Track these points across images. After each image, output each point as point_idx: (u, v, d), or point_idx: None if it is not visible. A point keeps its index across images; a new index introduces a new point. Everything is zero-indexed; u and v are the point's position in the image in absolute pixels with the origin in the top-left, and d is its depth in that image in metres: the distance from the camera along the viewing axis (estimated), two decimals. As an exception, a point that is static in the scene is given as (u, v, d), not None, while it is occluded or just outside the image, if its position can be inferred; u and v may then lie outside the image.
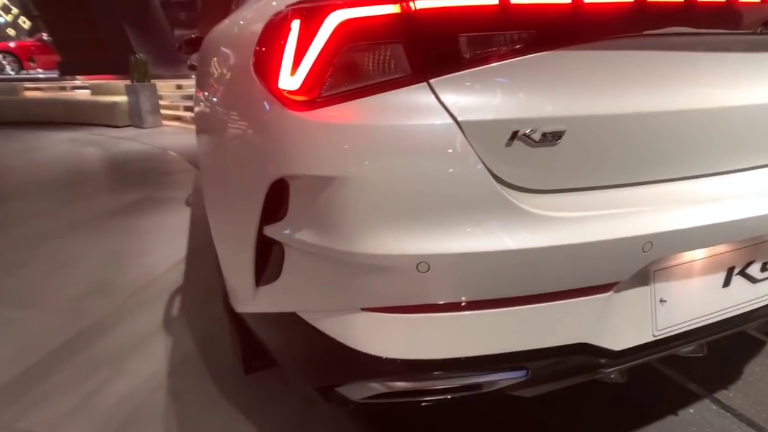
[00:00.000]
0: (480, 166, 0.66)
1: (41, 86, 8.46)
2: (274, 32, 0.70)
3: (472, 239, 0.66)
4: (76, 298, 1.94)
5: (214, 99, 1.05)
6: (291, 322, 0.83)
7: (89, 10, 8.49)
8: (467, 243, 0.65)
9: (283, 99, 0.70)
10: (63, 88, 8.20)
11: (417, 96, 0.66)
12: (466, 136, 0.66)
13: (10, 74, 11.13)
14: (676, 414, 1.22)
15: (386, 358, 0.71)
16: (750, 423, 1.20)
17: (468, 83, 0.67)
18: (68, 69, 9.29)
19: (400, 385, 0.73)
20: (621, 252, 0.71)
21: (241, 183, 0.87)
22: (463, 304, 0.68)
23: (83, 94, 7.82)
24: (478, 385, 0.76)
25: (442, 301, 0.68)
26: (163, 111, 6.93)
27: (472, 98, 0.67)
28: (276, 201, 0.76)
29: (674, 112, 0.74)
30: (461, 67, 0.66)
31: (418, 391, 0.75)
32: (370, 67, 0.67)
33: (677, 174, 0.79)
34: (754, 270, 0.87)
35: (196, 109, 1.46)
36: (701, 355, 0.91)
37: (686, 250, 0.79)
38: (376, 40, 0.65)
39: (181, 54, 2.49)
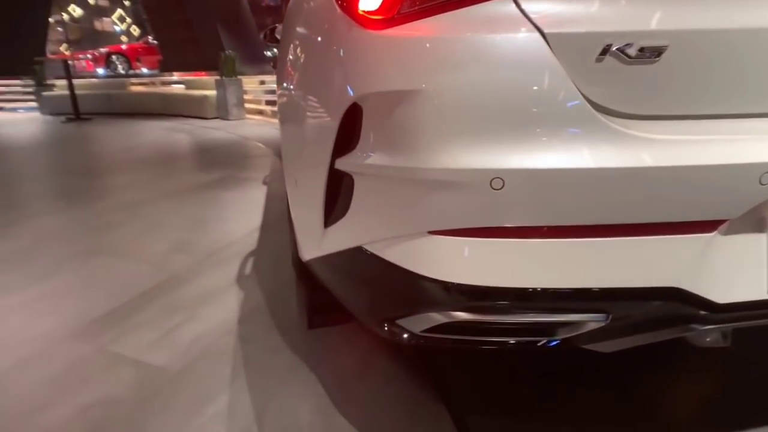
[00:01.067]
0: (565, 80, 0.62)
1: (144, 82, 9.40)
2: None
3: (552, 154, 0.61)
4: (162, 254, 2.12)
5: (297, 42, 1.09)
6: (356, 257, 0.83)
7: (188, 13, 9.30)
8: (546, 158, 0.61)
9: (363, 20, 0.71)
10: (163, 83, 9.05)
11: (499, 6, 0.63)
12: (552, 49, 0.62)
13: (121, 73, 12.49)
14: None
15: (452, 284, 0.68)
16: None
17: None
18: (168, 66, 10.24)
19: (463, 315, 0.70)
20: (732, 181, 0.62)
21: (317, 117, 0.89)
22: (541, 229, 0.64)
23: (178, 89, 8.57)
24: (550, 329, 0.70)
25: (517, 224, 0.65)
26: (246, 105, 7.40)
27: (559, 7, 0.63)
28: (349, 131, 0.77)
29: None
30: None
31: (482, 329, 0.71)
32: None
33: None
34: None
35: (280, 64, 1.52)
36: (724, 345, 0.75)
37: None
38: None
39: (265, 42, 2.65)
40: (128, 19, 30.04)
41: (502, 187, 0.63)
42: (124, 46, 13.90)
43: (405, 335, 0.77)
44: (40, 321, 1.57)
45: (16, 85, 10.36)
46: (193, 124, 6.90)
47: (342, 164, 0.81)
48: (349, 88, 0.74)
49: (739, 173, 0.62)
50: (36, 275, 1.93)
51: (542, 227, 0.64)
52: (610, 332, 0.71)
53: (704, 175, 0.62)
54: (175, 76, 8.97)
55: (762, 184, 0.63)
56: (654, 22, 0.62)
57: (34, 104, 9.16)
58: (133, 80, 9.44)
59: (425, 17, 0.66)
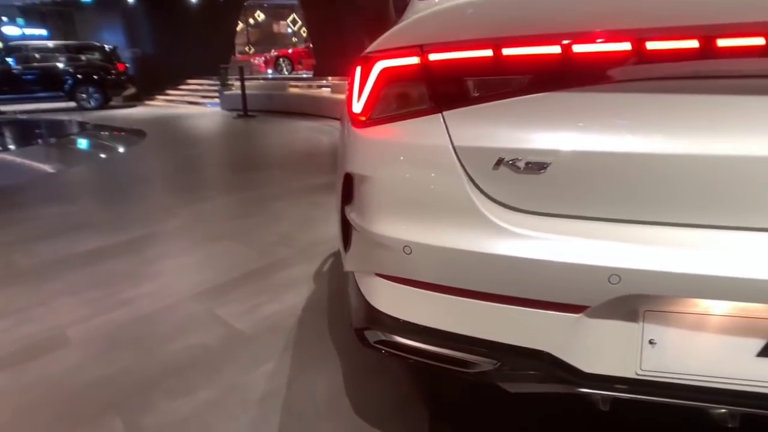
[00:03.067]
0: (462, 181, 0.84)
1: (299, 84, 10.82)
2: (351, 73, 1.01)
3: (446, 235, 0.84)
4: (270, 244, 2.69)
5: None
6: (350, 278, 1.15)
7: (341, 24, 10.37)
8: (441, 237, 0.84)
9: (354, 118, 1.01)
10: (317, 86, 10.31)
11: (432, 123, 0.87)
12: (458, 158, 0.84)
13: (284, 74, 14.47)
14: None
15: (383, 313, 0.95)
16: None
17: (468, 116, 0.84)
18: (321, 71, 11.57)
19: (394, 337, 0.96)
20: (582, 277, 0.77)
21: (339, 176, 1.22)
22: (440, 286, 0.87)
23: (325, 92, 9.68)
24: (456, 361, 0.92)
25: (423, 279, 0.89)
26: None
27: (470, 128, 0.84)
28: (349, 191, 1.08)
29: (668, 156, 0.73)
30: (466, 104, 0.84)
31: (407, 348, 0.96)
32: (403, 100, 0.91)
33: (664, 219, 0.76)
34: None
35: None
36: (731, 426, 0.82)
37: (682, 297, 0.77)
38: (406, 81, 0.89)
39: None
40: (299, 22, 34.08)
41: (410, 253, 0.88)
42: (290, 50, 16.04)
43: (365, 343, 1.05)
44: (178, 283, 2.23)
45: (208, 84, 12.88)
46: (334, 126, 7.80)
47: (346, 212, 1.13)
48: (346, 163, 1.05)
49: (588, 272, 0.75)
50: (182, 250, 2.66)
51: (441, 285, 0.87)
52: (503, 376, 0.89)
53: (559, 269, 0.77)
54: (326, 80, 10.13)
55: (611, 284, 0.76)
56: (541, 143, 0.80)
57: (218, 100, 11.26)
58: (292, 83, 10.91)
59: (382, 124, 0.94)
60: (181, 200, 3.70)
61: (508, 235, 0.81)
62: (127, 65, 12.42)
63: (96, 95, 11.22)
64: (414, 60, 0.86)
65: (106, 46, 12.02)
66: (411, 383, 1.49)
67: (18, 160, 5.76)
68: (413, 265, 0.89)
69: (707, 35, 0.70)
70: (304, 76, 13.30)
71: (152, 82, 13.19)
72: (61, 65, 11.09)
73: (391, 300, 0.96)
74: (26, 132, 8.15)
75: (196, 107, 11.75)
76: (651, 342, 0.80)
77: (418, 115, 0.90)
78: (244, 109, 9.14)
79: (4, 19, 18.06)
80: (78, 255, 2.56)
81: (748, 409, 0.78)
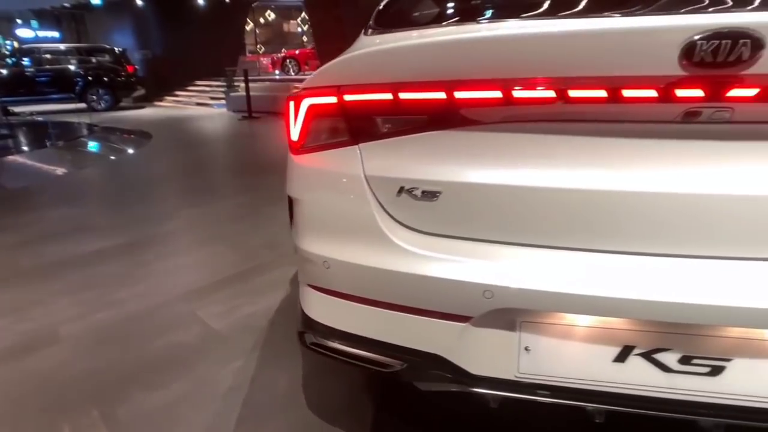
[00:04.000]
0: (371, 206, 0.97)
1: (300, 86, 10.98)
2: (286, 106, 1.14)
3: (356, 252, 0.97)
4: (255, 247, 2.85)
5: None
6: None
7: (344, 27, 10.51)
8: (352, 254, 0.98)
9: (291, 146, 1.14)
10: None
11: (349, 154, 1.01)
12: (369, 185, 0.98)
13: (291, 75, 14.66)
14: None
15: (311, 318, 1.09)
16: None
17: (378, 149, 0.97)
18: (325, 72, 11.74)
19: (323, 340, 1.09)
20: (463, 292, 0.89)
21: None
22: (355, 296, 1.01)
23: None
24: (373, 362, 1.05)
25: (341, 290, 1.02)
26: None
27: (378, 160, 0.97)
28: (290, 210, 1.21)
29: (535, 188, 0.86)
30: (376, 138, 0.97)
31: (334, 350, 1.10)
32: (327, 133, 1.04)
33: (533, 242, 0.88)
34: (668, 358, 0.88)
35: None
36: (598, 421, 0.93)
37: (549, 311, 0.89)
38: (328, 117, 1.02)
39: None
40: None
41: (329, 267, 1.01)
42: (297, 51, 16.19)
43: (303, 344, 1.19)
44: (165, 285, 2.39)
45: (216, 85, 13.12)
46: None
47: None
48: (286, 184, 1.19)
49: (467, 288, 0.88)
50: (173, 252, 2.84)
51: (355, 296, 1.01)
52: (411, 375, 1.02)
53: (445, 284, 0.89)
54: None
55: (486, 298, 0.88)
56: (432, 175, 0.93)
57: (224, 102, 11.49)
58: (296, 84, 11.08)
59: (311, 152, 1.07)
60: (176, 204, 3.88)
61: (404, 253, 0.95)
62: (137, 67, 12.72)
63: (106, 97, 11.52)
64: (333, 99, 1.00)
65: (116, 48, 12.33)
66: (364, 381, 1.63)
67: (29, 162, 6.02)
68: (332, 278, 1.03)
69: (562, 87, 0.82)
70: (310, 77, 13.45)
71: (161, 83, 13.49)
72: (72, 67, 11.41)
73: (319, 308, 1.10)
74: (38, 134, 8.44)
75: (203, 108, 11.99)
76: (527, 348, 0.93)
77: (339, 146, 1.03)
78: (249, 111, 9.33)
79: (19, 21, 18.55)
80: (78, 256, 2.75)
81: (609, 407, 0.91)
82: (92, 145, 7.29)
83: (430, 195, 0.94)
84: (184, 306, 2.17)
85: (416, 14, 1.40)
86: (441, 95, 0.89)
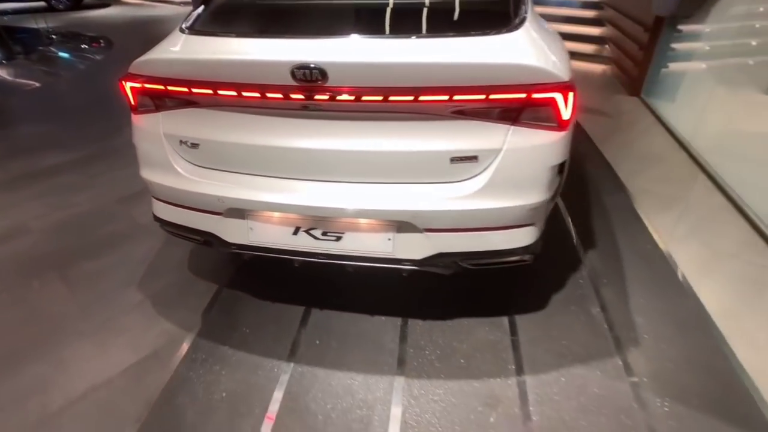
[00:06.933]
0: (166, 151, 1.68)
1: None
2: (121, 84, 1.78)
3: (162, 177, 1.71)
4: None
5: None
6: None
7: None
8: (160, 178, 1.72)
9: (131, 108, 1.81)
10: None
11: (155, 118, 1.69)
12: (164, 138, 1.68)
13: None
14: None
15: (154, 214, 1.89)
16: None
17: (169, 116, 1.65)
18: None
19: (164, 225, 1.90)
20: (210, 200, 1.65)
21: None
22: (166, 201, 1.78)
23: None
24: (191, 238, 1.86)
25: (159, 198, 1.80)
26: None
27: (169, 123, 1.66)
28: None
29: (252, 144, 1.56)
30: (166, 109, 1.65)
31: (172, 232, 1.91)
32: (144, 103, 1.70)
33: (250, 171, 1.61)
34: (316, 232, 1.66)
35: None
36: (297, 266, 1.79)
37: (258, 210, 1.64)
38: (141, 94, 1.68)
39: None
40: None
41: (152, 186, 1.76)
42: None
43: (159, 223, 2.00)
44: (112, 190, 3.17)
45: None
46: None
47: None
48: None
49: (212, 197, 1.63)
50: (124, 164, 3.56)
51: (166, 201, 1.78)
52: (208, 244, 1.83)
53: (204, 195, 1.64)
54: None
55: (221, 202, 1.63)
56: (194, 134, 1.63)
57: (189, -1, 11.11)
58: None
59: (139, 114, 1.75)
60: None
61: (183, 177, 1.69)
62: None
63: (68, -5, 11.16)
64: (140, 84, 1.66)
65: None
66: (228, 256, 2.48)
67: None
68: (155, 191, 1.80)
69: (262, 90, 1.49)
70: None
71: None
72: (27, -37, 10.87)
73: (157, 207, 1.88)
74: None
75: (170, 6, 11.70)
76: (251, 228, 1.72)
77: (150, 112, 1.71)
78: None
79: None
80: (42, 170, 3.49)
81: (294, 257, 1.73)
82: (56, 57, 7.48)
83: (195, 145, 1.66)
84: (121, 206, 2.97)
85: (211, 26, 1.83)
86: (204, 90, 1.55)
